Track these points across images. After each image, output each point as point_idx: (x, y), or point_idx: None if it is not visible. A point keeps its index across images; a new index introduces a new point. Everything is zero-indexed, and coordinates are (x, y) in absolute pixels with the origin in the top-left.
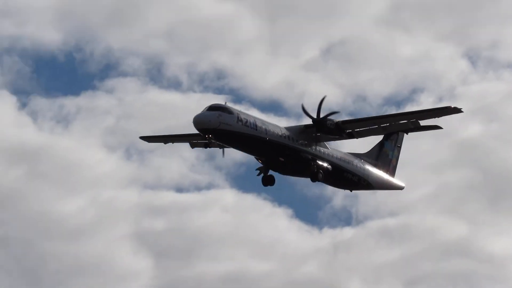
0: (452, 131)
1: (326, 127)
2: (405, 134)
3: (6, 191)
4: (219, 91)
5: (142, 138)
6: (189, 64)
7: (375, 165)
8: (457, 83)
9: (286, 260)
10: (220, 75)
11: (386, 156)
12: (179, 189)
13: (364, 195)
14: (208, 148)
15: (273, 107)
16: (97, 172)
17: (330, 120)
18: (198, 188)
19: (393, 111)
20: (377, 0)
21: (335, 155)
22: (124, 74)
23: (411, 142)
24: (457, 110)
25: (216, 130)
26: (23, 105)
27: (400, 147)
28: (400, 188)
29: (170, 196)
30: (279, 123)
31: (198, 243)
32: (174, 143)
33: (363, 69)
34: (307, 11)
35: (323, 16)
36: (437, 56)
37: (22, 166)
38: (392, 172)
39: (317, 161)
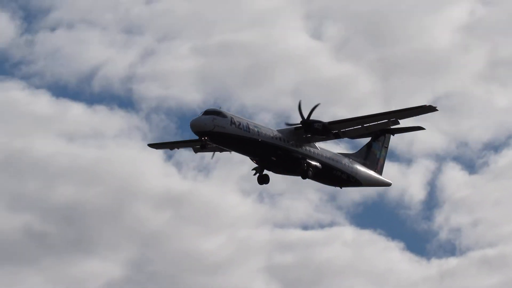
0: None
1: (313, 128)
2: (391, 136)
3: (155, 232)
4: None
5: (150, 145)
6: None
7: (364, 164)
8: None
9: None
10: None
11: (374, 155)
12: (305, 227)
13: (467, 227)
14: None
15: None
16: (233, 214)
17: (317, 122)
18: (322, 225)
19: (491, 156)
20: (476, 58)
21: (324, 155)
22: None
23: None
24: (432, 109)
25: (211, 132)
26: (169, 157)
27: (387, 147)
28: (388, 184)
29: (297, 234)
30: None
31: (322, 274)
32: (180, 149)
33: (465, 118)
34: (415, 69)
35: (430, 73)
36: None
37: (169, 210)
38: (380, 171)
39: (307, 160)
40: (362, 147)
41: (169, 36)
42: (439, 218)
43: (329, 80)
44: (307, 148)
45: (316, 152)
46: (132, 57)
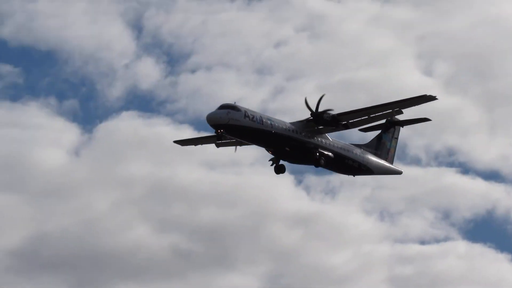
0: None
1: (323, 120)
2: (401, 128)
3: (288, 249)
4: (450, 164)
5: (176, 142)
6: (426, 144)
7: (375, 154)
8: None
9: None
10: (450, 152)
11: (384, 146)
12: (422, 242)
13: None
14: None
15: (494, 175)
16: (357, 231)
17: (327, 113)
18: (437, 240)
19: None
20: None
21: (336, 145)
22: None
23: None
24: (432, 98)
25: (226, 125)
26: (299, 182)
27: (397, 138)
28: (399, 172)
29: (415, 248)
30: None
31: (438, 285)
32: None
33: None
34: None
35: None
36: None
37: (299, 229)
38: (391, 160)
39: (319, 150)
40: (372, 139)
41: (296, 75)
42: None
43: (440, 111)
44: (319, 139)
45: (328, 142)
46: (264, 95)
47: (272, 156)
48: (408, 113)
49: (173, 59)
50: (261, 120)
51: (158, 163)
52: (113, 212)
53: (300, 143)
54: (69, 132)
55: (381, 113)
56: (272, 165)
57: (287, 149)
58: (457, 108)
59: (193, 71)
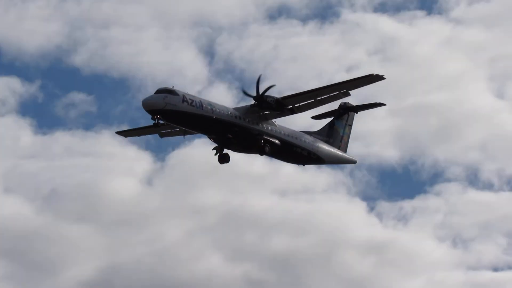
0: None
1: (267, 103)
2: (355, 114)
3: (360, 277)
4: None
5: (118, 133)
6: (499, 169)
7: (327, 141)
8: None
9: None
10: None
11: (337, 133)
12: (495, 269)
13: None
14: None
15: None
16: (430, 258)
17: (270, 97)
18: (510, 267)
19: None
20: None
21: (283, 132)
22: (448, 180)
23: None
24: (379, 78)
25: (162, 110)
26: (371, 209)
27: (351, 126)
28: (353, 162)
29: (488, 275)
30: None
31: None
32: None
33: None
34: None
35: None
36: None
37: (372, 256)
38: (344, 148)
39: (264, 137)
40: (324, 126)
41: (368, 99)
42: None
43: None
44: (264, 125)
45: (274, 129)
46: None
47: (216, 145)
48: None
49: (245, 84)
50: (201, 105)
51: (230, 190)
52: (185, 241)
53: (243, 129)
54: (142, 161)
55: (328, 95)
56: (216, 154)
57: (230, 136)
58: None
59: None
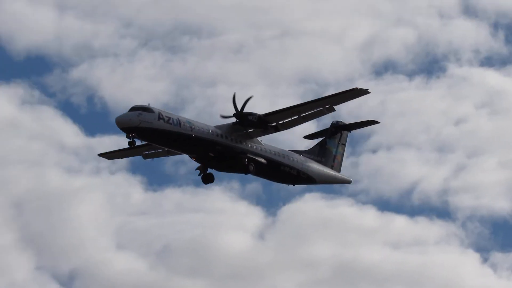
0: None
1: (248, 121)
2: (348, 133)
3: None
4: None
5: (100, 155)
6: None
7: (318, 161)
8: None
9: None
10: None
11: (329, 152)
12: None
13: None
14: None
15: None
16: None
17: (252, 114)
18: None
19: None
20: None
21: (269, 150)
22: None
23: None
24: (363, 92)
25: (137, 128)
26: (485, 260)
27: (344, 144)
28: (347, 182)
29: None
30: None
31: None
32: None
33: None
34: None
35: None
36: None
37: None
38: (337, 168)
39: (248, 155)
40: (315, 145)
41: (477, 152)
42: None
43: None
44: (249, 143)
45: (259, 147)
46: (445, 173)
47: (199, 165)
48: None
49: (353, 139)
50: (178, 123)
51: (341, 244)
52: None
53: (226, 147)
54: (253, 216)
55: (312, 111)
56: (199, 174)
57: (211, 154)
58: None
59: (374, 151)
